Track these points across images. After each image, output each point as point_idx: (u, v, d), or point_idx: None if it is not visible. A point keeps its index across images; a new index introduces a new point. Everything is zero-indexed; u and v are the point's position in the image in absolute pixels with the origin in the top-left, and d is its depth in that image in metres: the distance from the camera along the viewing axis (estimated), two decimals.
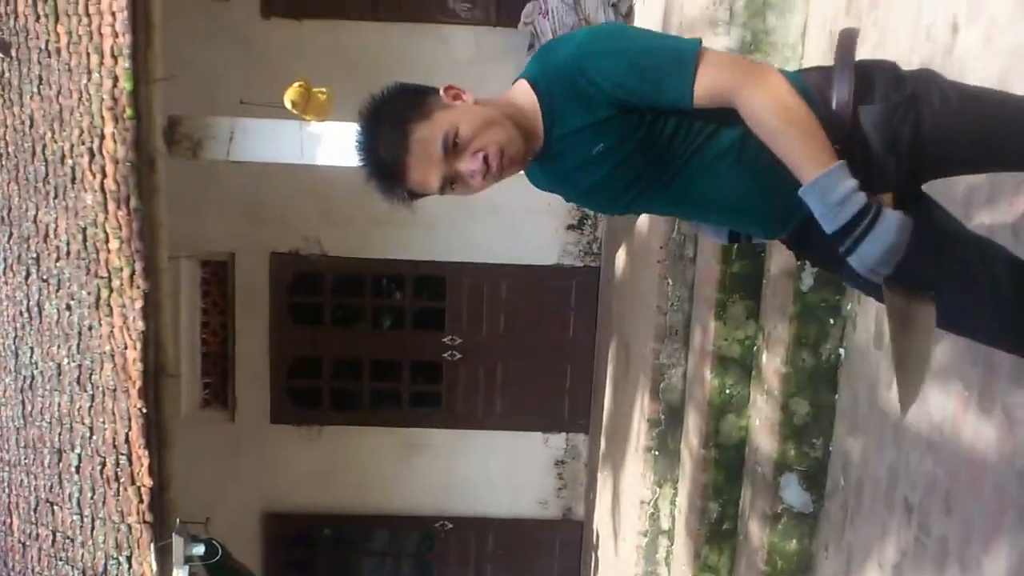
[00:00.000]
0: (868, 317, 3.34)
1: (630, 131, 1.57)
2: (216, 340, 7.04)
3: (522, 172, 1.78)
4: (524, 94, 1.65)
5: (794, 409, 3.58)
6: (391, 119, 1.58)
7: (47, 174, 4.75)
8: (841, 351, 3.54)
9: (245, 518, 7.11)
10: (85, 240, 4.57)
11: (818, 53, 3.74)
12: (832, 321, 3.53)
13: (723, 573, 4.17)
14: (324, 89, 4.96)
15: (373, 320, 7.38)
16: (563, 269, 7.08)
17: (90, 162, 4.47)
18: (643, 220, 5.38)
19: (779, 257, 3.75)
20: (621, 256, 6.24)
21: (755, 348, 4.04)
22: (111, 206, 4.37)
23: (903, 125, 1.53)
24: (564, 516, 7.41)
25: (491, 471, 7.26)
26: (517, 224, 6.95)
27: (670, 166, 1.61)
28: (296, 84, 4.83)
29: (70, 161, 4.58)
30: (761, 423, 3.89)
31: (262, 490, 7.14)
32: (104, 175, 4.40)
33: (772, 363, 3.74)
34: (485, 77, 6.73)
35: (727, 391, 4.10)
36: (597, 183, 1.66)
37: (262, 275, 6.94)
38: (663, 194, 1.67)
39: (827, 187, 1.43)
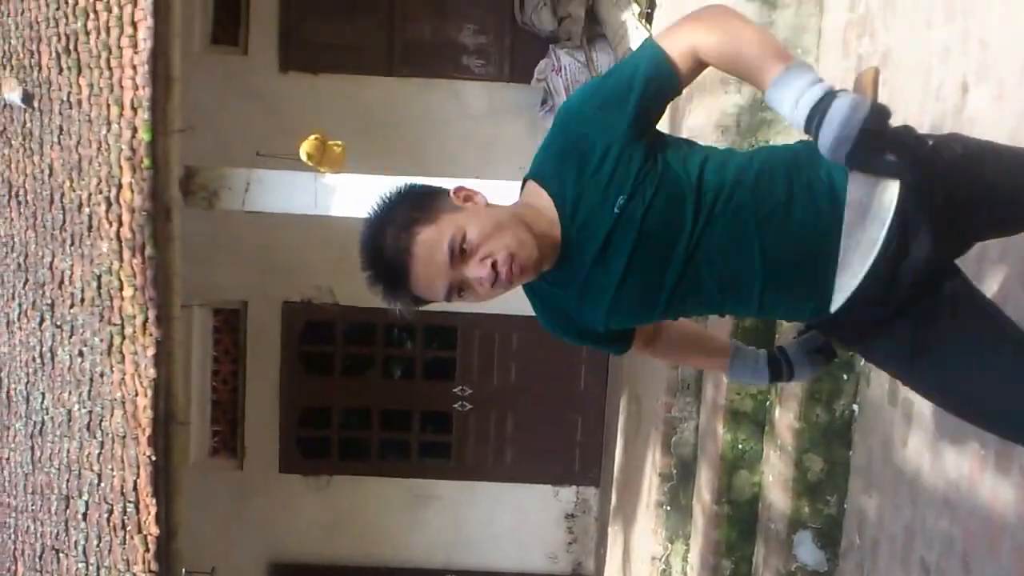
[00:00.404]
0: (882, 374, 3.31)
1: (643, 163, 1.47)
2: (226, 388, 7.05)
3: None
4: (535, 193, 1.57)
5: (808, 465, 3.55)
6: (397, 222, 1.50)
7: (64, 222, 4.80)
8: (855, 407, 3.51)
9: (252, 568, 7.03)
10: (99, 287, 4.61)
11: None
12: (846, 377, 3.52)
13: None
14: (339, 142, 5.03)
15: (384, 370, 7.38)
16: None
17: (107, 211, 4.52)
18: None
19: None
20: None
21: (768, 403, 4.01)
22: (126, 254, 4.41)
23: (930, 168, 1.48)
24: (574, 571, 7.31)
25: (500, 523, 7.17)
26: None
27: (700, 216, 1.49)
28: (312, 137, 4.90)
29: (87, 209, 4.64)
30: (774, 479, 3.85)
31: (269, 539, 7.08)
32: (120, 224, 4.45)
33: (785, 418, 3.71)
34: (498, 133, 6.84)
35: (740, 446, 4.07)
36: (628, 262, 1.51)
37: (274, 323, 6.97)
38: (707, 273, 1.52)
39: (788, 80, 1.40)
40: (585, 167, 1.49)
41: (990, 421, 1.63)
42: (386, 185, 1.61)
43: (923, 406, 2.98)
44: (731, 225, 1.50)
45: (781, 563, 3.62)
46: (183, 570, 4.42)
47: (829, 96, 1.37)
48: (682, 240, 1.49)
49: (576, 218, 1.51)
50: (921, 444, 2.97)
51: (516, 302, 6.62)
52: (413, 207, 1.52)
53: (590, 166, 1.48)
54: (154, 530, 4.32)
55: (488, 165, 6.25)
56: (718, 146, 1.64)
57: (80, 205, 4.67)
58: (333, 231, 6.63)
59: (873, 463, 3.33)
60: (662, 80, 1.48)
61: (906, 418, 3.10)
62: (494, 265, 1.47)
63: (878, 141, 1.40)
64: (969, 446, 2.67)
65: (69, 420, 4.93)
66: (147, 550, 4.35)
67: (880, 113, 1.38)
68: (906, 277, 1.49)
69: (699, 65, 1.50)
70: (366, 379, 7.34)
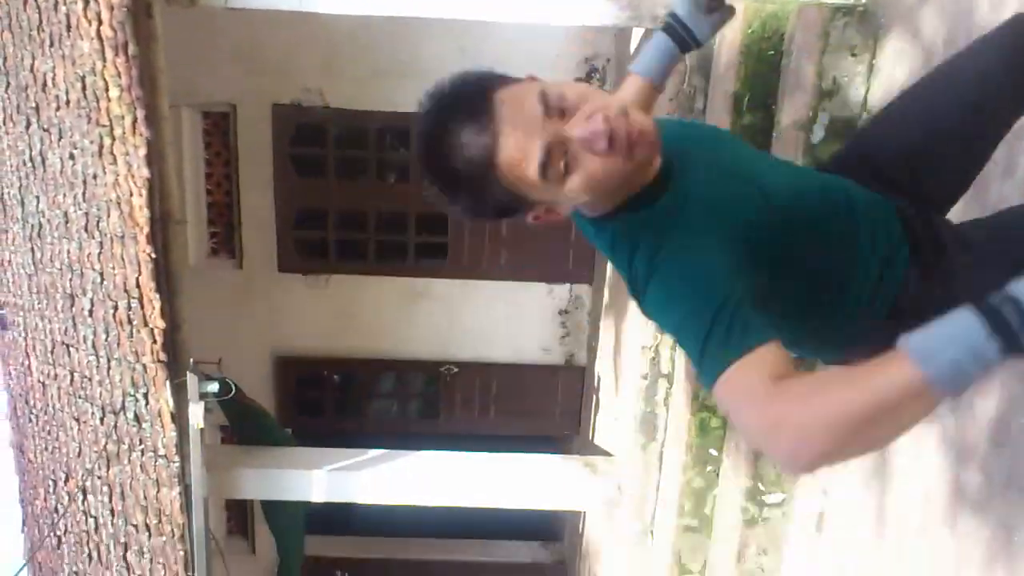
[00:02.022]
0: None
1: None
2: (220, 191, 7.04)
3: None
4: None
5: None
6: (467, 90, 1.19)
7: (41, 22, 4.62)
8: None
9: (256, 361, 7.32)
10: (84, 89, 4.49)
11: None
12: None
13: (719, 412, 4.34)
14: None
15: (378, 173, 7.35)
16: None
17: (84, 8, 4.33)
18: None
19: (790, 109, 3.71)
20: None
21: None
22: (109, 53, 4.27)
23: None
24: (567, 362, 7.63)
25: (495, 318, 7.41)
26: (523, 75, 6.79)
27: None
28: None
29: (64, 8, 4.45)
30: None
31: (272, 335, 7.32)
32: (100, 22, 4.27)
33: None
34: None
35: None
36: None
37: (264, 127, 6.85)
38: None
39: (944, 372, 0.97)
40: None
41: None
42: None
43: None
44: None
45: None
46: (191, 360, 4.59)
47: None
48: None
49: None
50: None
51: None
52: (488, 76, 1.22)
53: None
54: (160, 323, 4.45)
55: None
56: None
57: (56, 3, 4.48)
58: (321, 29, 6.43)
59: None
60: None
61: None
62: (606, 119, 1.16)
63: None
64: None
65: (66, 222, 4.96)
66: (155, 342, 4.49)
67: None
68: None
69: None
70: (360, 182, 7.32)
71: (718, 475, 4.51)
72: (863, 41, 3.35)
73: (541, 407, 7.72)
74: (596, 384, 6.95)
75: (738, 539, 4.15)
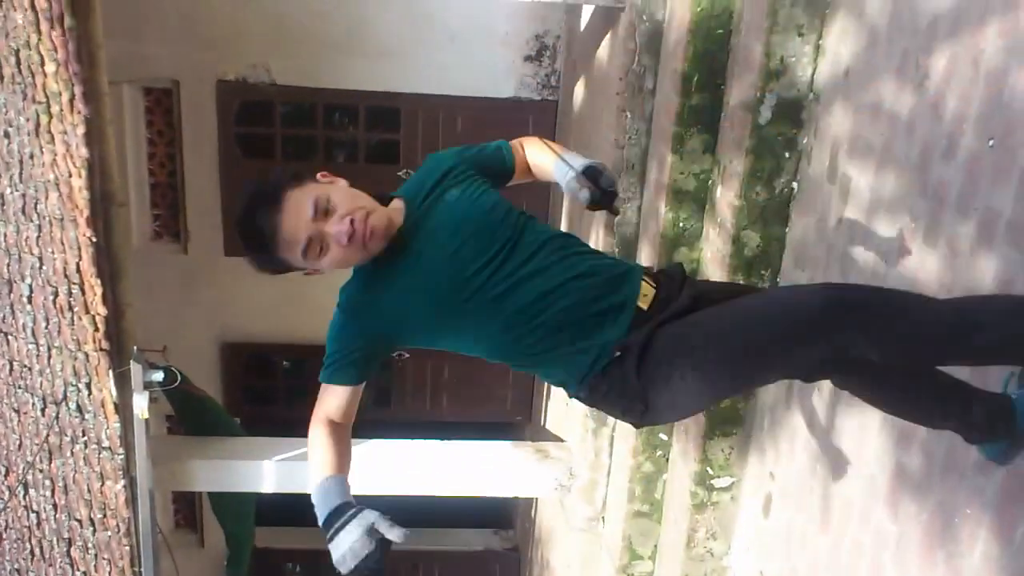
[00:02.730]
0: (823, 151, 3.36)
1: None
2: (164, 172, 6.87)
3: None
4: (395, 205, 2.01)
5: (745, 242, 3.65)
6: (271, 184, 1.84)
7: None
8: (795, 184, 3.58)
9: (203, 348, 7.19)
10: (19, 63, 4.33)
11: None
12: (787, 155, 3.55)
13: None
14: None
15: (327, 153, 7.23)
16: (520, 102, 6.94)
17: None
18: (603, 52, 5.25)
19: (738, 89, 3.71)
20: (580, 89, 6.13)
21: (710, 182, 4.06)
22: (44, 26, 4.12)
23: None
24: None
25: None
26: (474, 54, 6.74)
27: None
28: None
29: None
30: (712, 255, 3.97)
31: (219, 321, 7.19)
32: None
33: (726, 197, 3.78)
34: None
35: (681, 224, 4.16)
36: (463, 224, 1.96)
37: (209, 104, 6.70)
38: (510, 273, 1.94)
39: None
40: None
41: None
42: None
43: (860, 182, 3.05)
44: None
45: None
46: (134, 348, 4.47)
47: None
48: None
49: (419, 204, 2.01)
50: (855, 217, 3.06)
51: (462, 80, 6.45)
52: (285, 178, 1.86)
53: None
54: (101, 310, 4.33)
55: None
56: None
57: None
58: (269, 1, 6.31)
59: (808, 238, 3.44)
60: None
61: (843, 194, 3.17)
62: (352, 222, 1.80)
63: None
64: (900, 219, 2.76)
65: (2, 204, 4.79)
66: (96, 330, 4.37)
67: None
68: None
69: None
70: (308, 163, 7.20)
71: (667, 460, 4.54)
72: (809, 21, 3.36)
73: (493, 394, 7.71)
74: None
75: (688, 523, 4.17)
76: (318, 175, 1.91)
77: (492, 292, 1.86)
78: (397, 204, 1.99)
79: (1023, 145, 2.21)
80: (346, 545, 1.60)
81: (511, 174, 2.14)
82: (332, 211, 1.81)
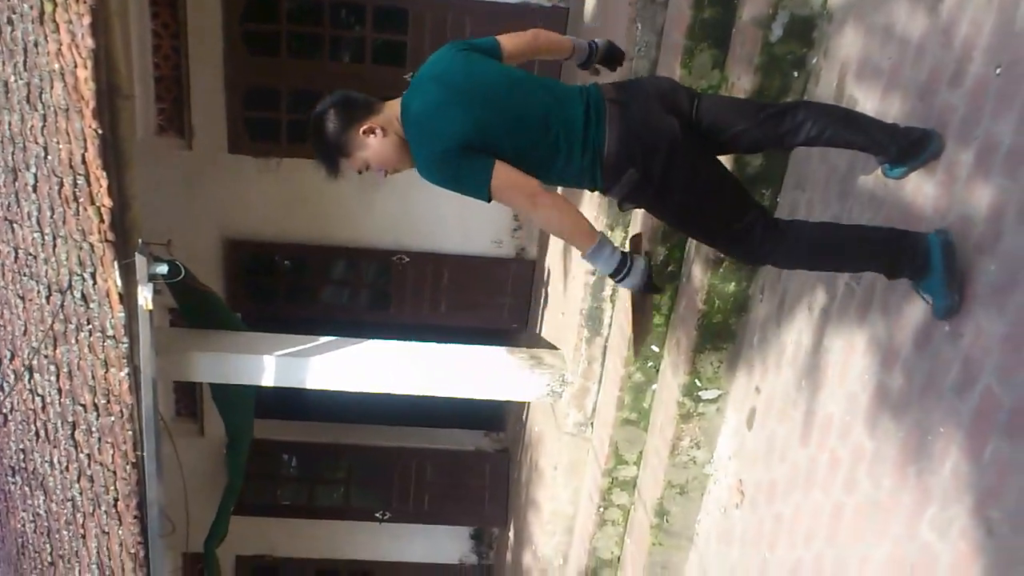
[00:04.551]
0: (832, 72, 3.35)
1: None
2: (168, 65, 6.79)
3: None
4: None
5: (748, 160, 3.67)
6: (328, 144, 2.74)
7: None
8: None
9: (206, 244, 7.24)
10: None
11: None
12: (796, 74, 3.55)
13: (664, 310, 4.44)
14: None
15: (331, 52, 7.14)
16: (530, 7, 6.80)
17: None
18: None
19: (751, 6, 3.67)
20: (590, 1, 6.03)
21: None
22: None
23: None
24: (517, 255, 7.68)
25: (448, 210, 7.36)
26: None
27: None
28: None
29: None
30: None
31: (223, 217, 7.22)
32: None
33: None
34: None
35: None
36: None
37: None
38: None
39: (598, 254, 2.55)
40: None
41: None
42: None
43: (866, 105, 3.06)
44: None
45: (711, 250, 3.85)
46: (139, 240, 4.52)
47: (629, 261, 2.57)
48: None
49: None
50: None
51: None
52: (339, 136, 2.73)
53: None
54: (107, 202, 4.36)
55: None
56: None
57: None
58: None
59: (811, 159, 3.46)
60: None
61: None
62: (384, 172, 2.77)
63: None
64: None
65: (7, 92, 4.77)
66: (102, 221, 4.41)
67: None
68: None
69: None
70: (313, 61, 7.11)
71: (658, 371, 4.66)
72: None
73: (491, 300, 7.81)
74: (545, 279, 7.03)
75: (673, 432, 4.31)
76: (360, 132, 2.69)
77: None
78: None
79: None
80: (637, 278, 2.56)
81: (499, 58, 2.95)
82: (371, 169, 2.76)
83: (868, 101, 3.04)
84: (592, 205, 5.06)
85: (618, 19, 4.77)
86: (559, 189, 3.16)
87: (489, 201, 2.60)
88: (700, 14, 3.96)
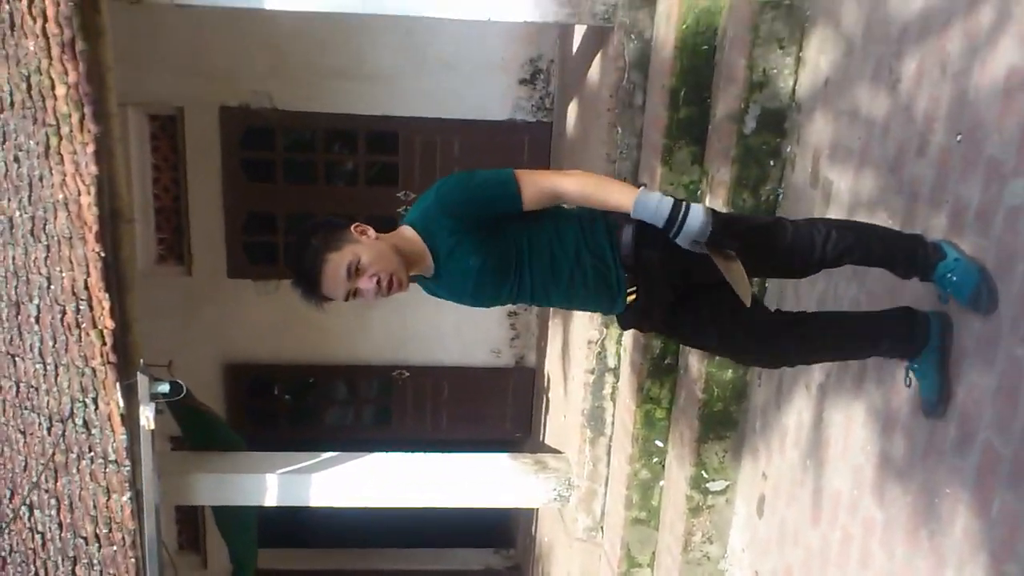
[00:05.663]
0: (806, 158, 3.49)
1: (491, 247, 2.29)
2: (168, 196, 7.01)
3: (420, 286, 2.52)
4: (409, 236, 2.34)
5: None
6: (314, 248, 2.23)
7: None
8: (780, 191, 3.70)
9: (207, 369, 7.27)
10: (29, 88, 4.47)
11: None
12: (772, 163, 3.69)
13: (664, 403, 4.46)
14: None
15: (327, 176, 7.38)
16: (516, 124, 7.11)
17: (29, 5, 4.33)
18: (594, 71, 5.41)
19: (724, 102, 3.86)
20: (573, 109, 6.29)
21: (699, 192, 4.19)
22: (55, 51, 4.27)
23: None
24: (517, 363, 7.71)
25: (446, 323, 7.45)
26: (470, 79, 6.91)
27: (529, 273, 2.34)
28: None
29: (7, 6, 4.43)
30: None
31: (222, 341, 7.28)
32: (45, 19, 4.27)
33: (715, 204, 3.90)
34: None
35: None
36: (478, 286, 2.36)
37: (212, 130, 6.86)
38: (529, 291, 2.40)
39: (644, 203, 2.23)
40: (451, 238, 2.30)
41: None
42: None
43: (841, 185, 3.18)
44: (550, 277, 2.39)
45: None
46: (141, 360, 4.56)
47: (684, 204, 2.24)
48: (513, 283, 2.39)
49: (440, 257, 2.34)
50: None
51: (459, 104, 6.59)
52: (326, 237, 2.25)
53: (455, 238, 2.29)
54: (109, 323, 4.42)
55: None
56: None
57: None
58: (269, 30, 6.48)
59: None
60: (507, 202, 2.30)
61: (826, 197, 3.30)
62: (378, 281, 2.25)
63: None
64: (879, 216, 2.88)
65: (11, 227, 4.90)
66: (104, 344, 4.46)
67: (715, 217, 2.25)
68: None
69: (553, 200, 2.33)
70: (309, 186, 7.35)
71: (663, 466, 4.63)
72: (790, 34, 3.51)
73: (492, 410, 7.79)
74: (546, 384, 7.04)
75: (684, 528, 4.25)
76: (352, 228, 2.28)
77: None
78: (408, 234, 2.35)
79: (988, 137, 2.34)
80: (699, 221, 2.20)
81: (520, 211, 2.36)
82: (363, 270, 2.23)
83: (842, 181, 3.16)
84: None
85: (599, 125, 4.97)
86: None
87: (518, 194, 2.26)
88: (676, 114, 4.14)
